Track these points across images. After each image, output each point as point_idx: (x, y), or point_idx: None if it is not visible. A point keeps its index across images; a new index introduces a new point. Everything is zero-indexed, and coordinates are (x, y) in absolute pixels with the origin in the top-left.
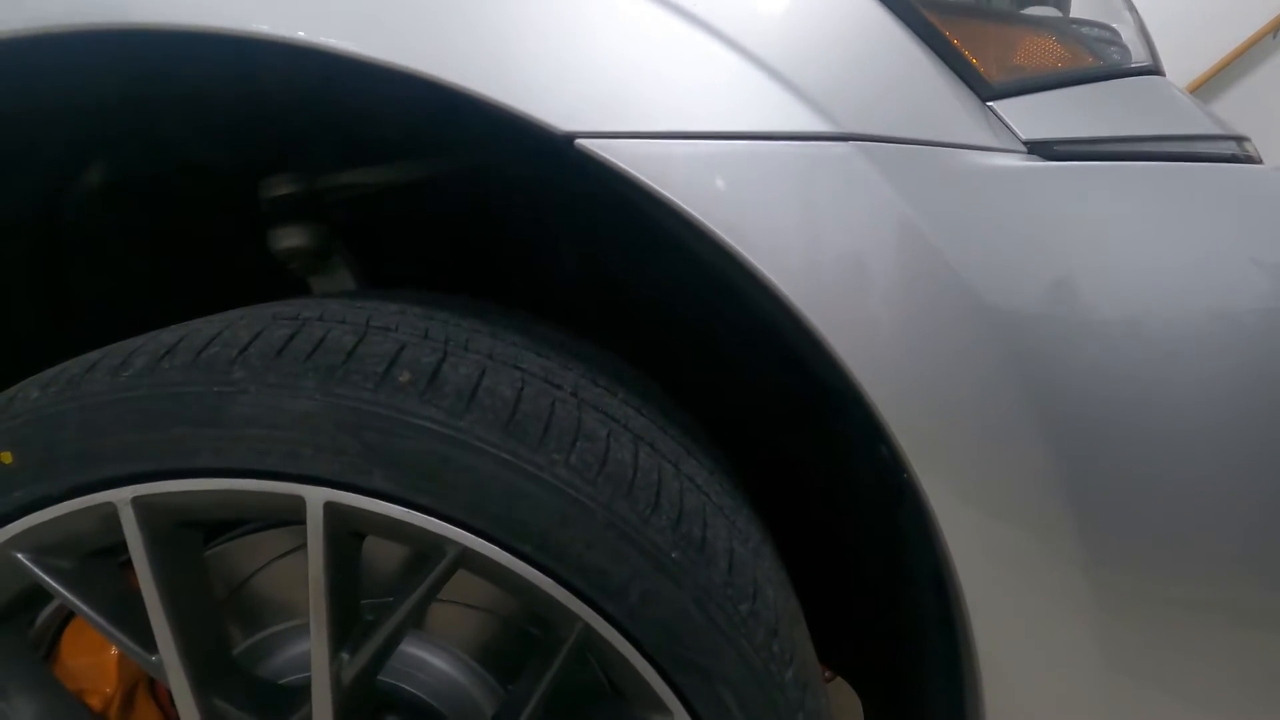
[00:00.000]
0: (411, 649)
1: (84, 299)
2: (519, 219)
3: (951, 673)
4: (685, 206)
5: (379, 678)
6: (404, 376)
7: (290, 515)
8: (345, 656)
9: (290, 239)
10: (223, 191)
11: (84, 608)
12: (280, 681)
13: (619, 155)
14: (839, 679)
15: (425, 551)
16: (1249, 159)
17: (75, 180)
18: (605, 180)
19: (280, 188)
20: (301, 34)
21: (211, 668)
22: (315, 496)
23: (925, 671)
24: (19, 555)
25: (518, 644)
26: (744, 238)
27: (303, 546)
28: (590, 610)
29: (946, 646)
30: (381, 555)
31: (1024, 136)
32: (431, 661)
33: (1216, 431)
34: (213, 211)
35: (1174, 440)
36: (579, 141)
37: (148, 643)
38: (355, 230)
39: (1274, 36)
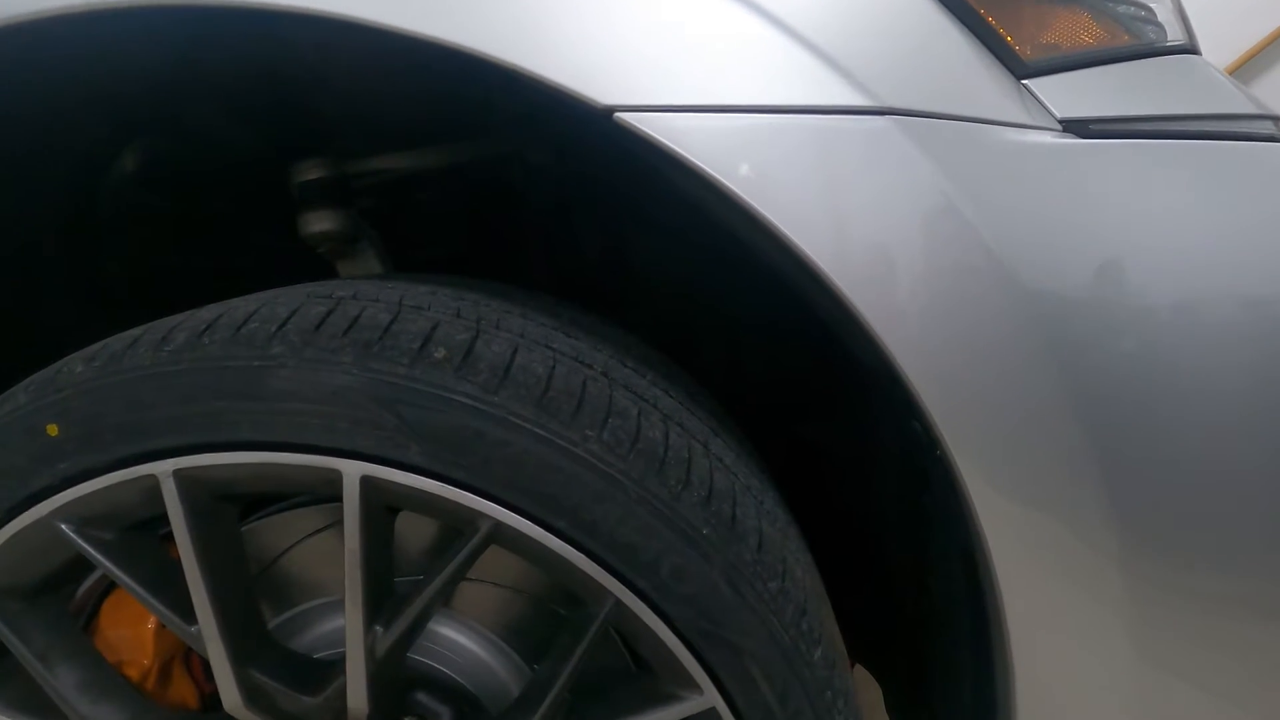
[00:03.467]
0: (439, 628)
1: (118, 290)
2: (542, 206)
3: (981, 660)
4: (722, 179)
5: (409, 655)
6: (439, 353)
7: (327, 490)
8: (379, 630)
9: (320, 223)
10: (254, 179)
11: (125, 578)
12: (314, 656)
13: (657, 128)
14: (858, 668)
15: (459, 527)
16: None
17: (108, 170)
18: (642, 155)
19: (310, 172)
20: (339, 7)
21: (248, 640)
22: (352, 470)
23: (953, 659)
24: (63, 526)
25: (545, 623)
26: (780, 211)
27: (334, 524)
28: (621, 586)
29: (976, 634)
30: (412, 535)
31: (1059, 115)
32: (459, 640)
33: (1253, 421)
34: (244, 199)
35: (1210, 429)
36: (618, 115)
37: (187, 614)
38: (382, 216)
39: None
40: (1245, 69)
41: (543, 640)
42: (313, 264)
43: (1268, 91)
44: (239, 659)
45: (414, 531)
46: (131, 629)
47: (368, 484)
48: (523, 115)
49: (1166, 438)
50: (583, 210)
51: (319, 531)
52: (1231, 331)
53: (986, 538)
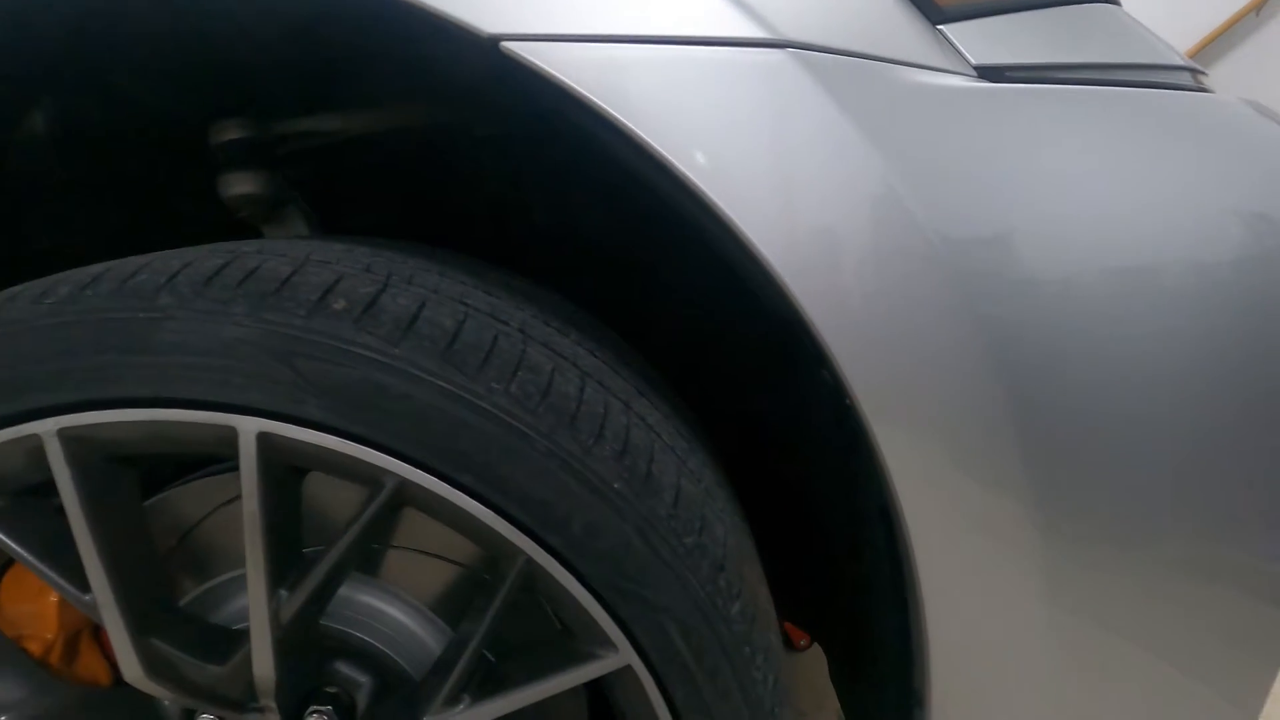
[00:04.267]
0: (364, 597)
1: (40, 251)
2: (490, 179)
3: (901, 620)
4: (614, 113)
5: (328, 624)
6: (339, 304)
7: (225, 450)
8: (284, 594)
9: (241, 185)
10: (179, 140)
11: (14, 546)
12: (223, 625)
13: (545, 59)
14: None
15: (366, 485)
16: (1202, 90)
17: (16, 129)
18: (532, 89)
19: (229, 132)
20: None
21: (149, 608)
22: (248, 427)
23: (879, 620)
24: None
25: (472, 590)
26: (675, 147)
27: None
28: (533, 543)
29: (897, 593)
30: (334, 505)
31: (974, 61)
32: (385, 610)
33: (1164, 375)
34: (169, 161)
35: (1123, 383)
36: (504, 44)
37: (82, 583)
38: (318, 184)
39: (1256, 14)
40: (1205, 52)
41: (469, 607)
42: (243, 231)
43: (1228, 73)
44: (139, 628)
45: (336, 501)
46: (33, 603)
47: (265, 441)
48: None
49: (1081, 391)
50: (531, 182)
51: (235, 500)
52: (1144, 281)
53: (898, 492)
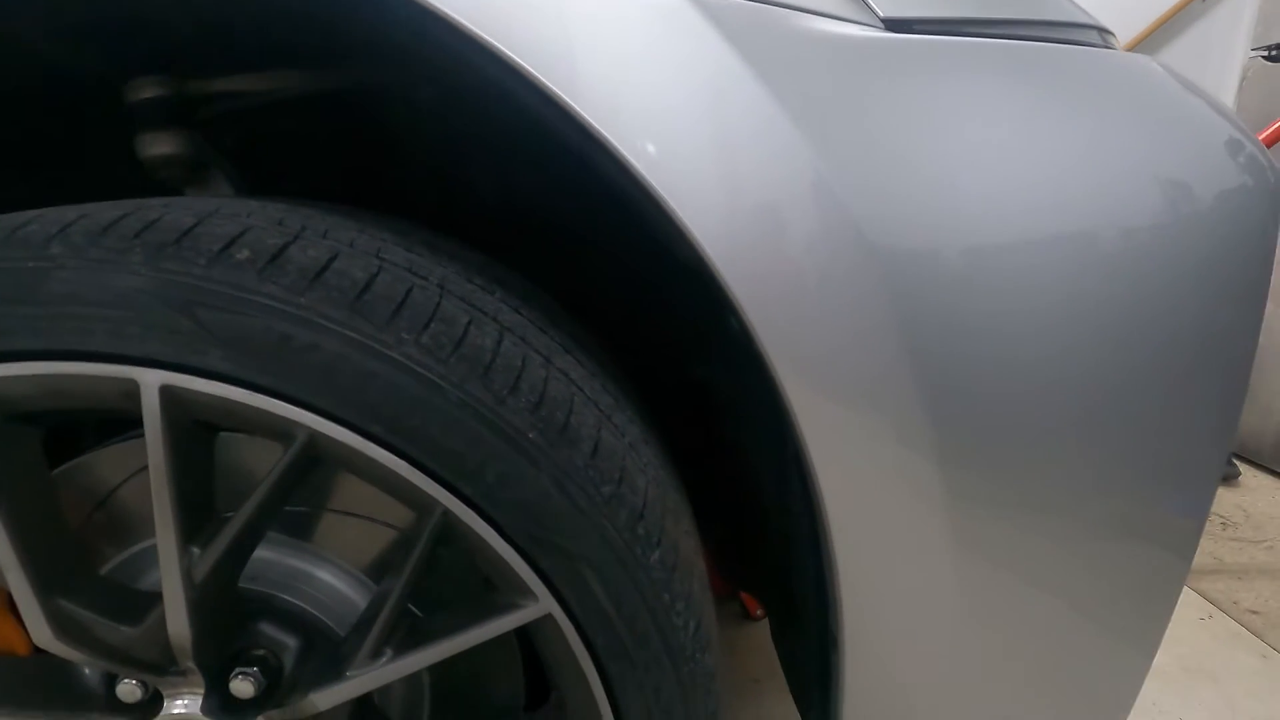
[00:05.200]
0: (290, 560)
1: None
2: (427, 145)
3: (817, 562)
4: (508, 51)
5: (255, 587)
6: (243, 254)
7: (129, 405)
8: (196, 552)
9: (158, 146)
10: (89, 98)
11: None
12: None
13: (448, 5)
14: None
15: (277, 439)
16: (1109, 49)
17: None
18: (422, 27)
19: (146, 90)
20: None
21: (57, 569)
22: (150, 380)
23: (800, 570)
24: None
25: (401, 551)
26: (577, 93)
27: None
28: (448, 494)
29: (812, 538)
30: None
31: (882, 14)
32: (313, 572)
33: (1069, 336)
34: (84, 121)
35: (1026, 342)
36: None
37: None
38: (251, 149)
39: (1203, 0)
40: (1150, 40)
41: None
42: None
43: (1173, 60)
44: (45, 589)
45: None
46: None
47: (168, 394)
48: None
49: (985, 348)
50: (464, 151)
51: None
52: (1047, 243)
53: (805, 439)
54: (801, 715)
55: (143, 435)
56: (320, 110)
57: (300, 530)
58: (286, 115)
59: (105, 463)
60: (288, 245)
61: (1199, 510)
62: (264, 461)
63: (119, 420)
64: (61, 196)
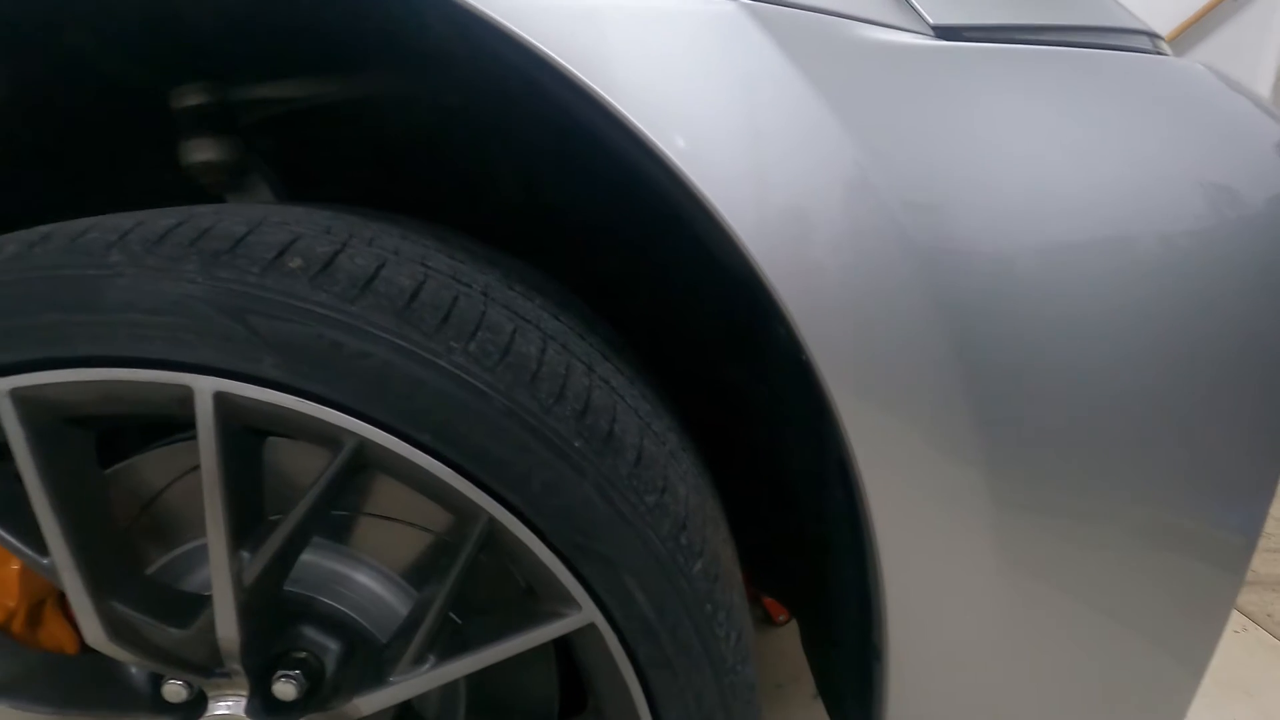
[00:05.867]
0: (331, 564)
1: None
2: (457, 149)
3: (859, 573)
4: (567, 64)
5: (297, 590)
6: (295, 262)
7: (183, 411)
8: (246, 556)
9: (202, 152)
10: (137, 107)
11: None
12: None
13: (495, 8)
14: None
15: (326, 446)
16: (1160, 54)
17: None
18: (479, 37)
19: (190, 98)
20: None
21: (110, 572)
22: (205, 386)
23: (841, 578)
24: None
25: (440, 556)
26: (629, 100)
27: None
28: (493, 501)
29: (856, 549)
30: (302, 475)
31: (932, 20)
32: (353, 576)
33: (1118, 347)
34: (129, 130)
35: (1076, 353)
36: None
37: (40, 546)
38: (287, 154)
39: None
40: (1181, 38)
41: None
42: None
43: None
44: (99, 591)
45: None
46: None
47: (222, 401)
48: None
49: (1034, 359)
50: (497, 155)
51: (197, 468)
52: (1098, 249)
53: (854, 449)
54: None
55: (183, 439)
56: (352, 115)
57: (338, 534)
58: (321, 121)
59: (149, 467)
60: (337, 253)
61: (1252, 526)
62: (300, 465)
63: (157, 423)
64: (101, 204)
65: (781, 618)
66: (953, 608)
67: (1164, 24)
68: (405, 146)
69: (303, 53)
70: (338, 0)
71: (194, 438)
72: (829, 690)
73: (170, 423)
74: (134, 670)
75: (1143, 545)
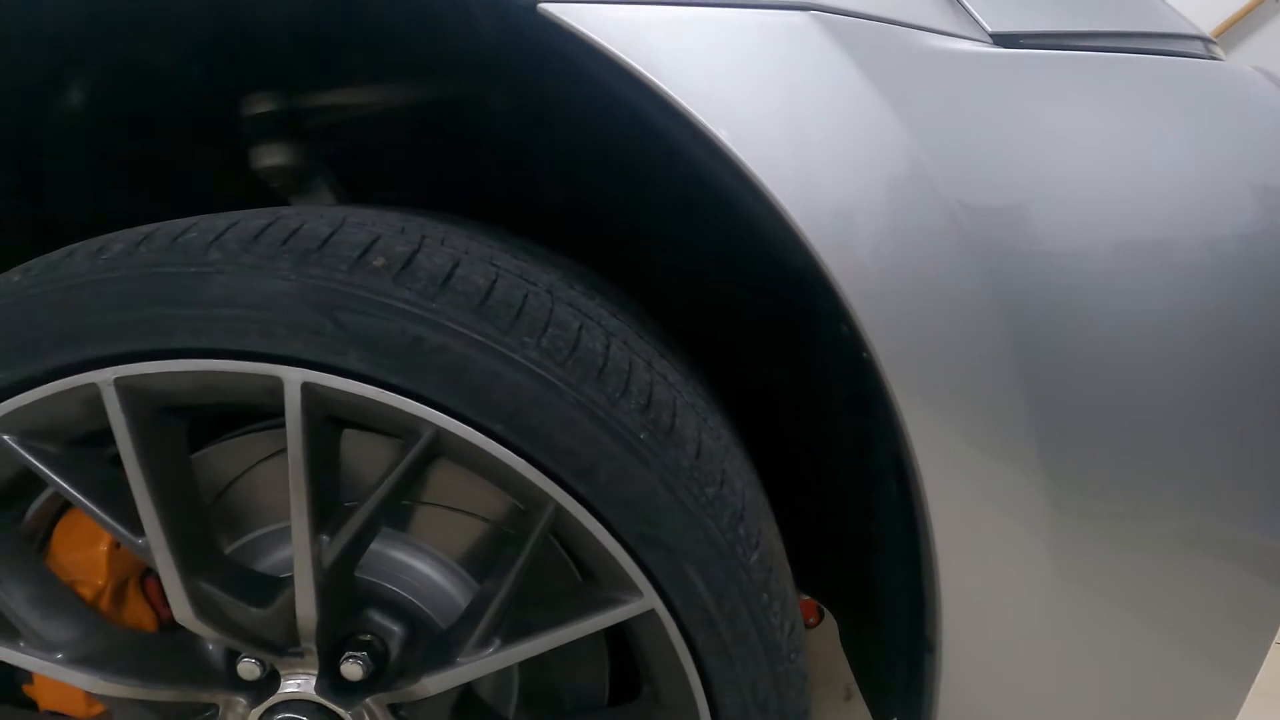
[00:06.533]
0: (393, 552)
1: (63, 224)
2: (503, 151)
3: (913, 575)
4: (646, 72)
5: (361, 575)
6: (378, 261)
7: (270, 400)
8: (325, 539)
9: (272, 157)
10: (202, 116)
11: (71, 490)
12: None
13: (582, 21)
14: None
15: (403, 436)
16: (1214, 59)
17: (53, 107)
18: (568, 52)
19: (262, 105)
20: None
21: (197, 553)
22: (293, 377)
23: (891, 577)
24: (6, 438)
25: (498, 545)
26: (707, 108)
27: (284, 450)
28: (561, 490)
29: (909, 548)
30: (367, 463)
31: (990, 28)
32: (414, 564)
33: (1173, 351)
34: (193, 136)
35: (1132, 356)
36: (542, 6)
37: (135, 527)
38: (340, 158)
39: (1277, 1)
40: (1228, 34)
41: (494, 562)
42: (269, 205)
43: (1247, 59)
44: (188, 570)
45: (367, 459)
46: (84, 550)
47: (309, 391)
48: (467, 43)
49: (1090, 362)
50: (545, 155)
51: (271, 457)
52: (1155, 253)
53: (914, 447)
54: (876, 717)
55: (260, 430)
56: (401, 119)
57: (400, 522)
58: (372, 124)
59: (224, 456)
60: (415, 252)
61: None
62: (365, 455)
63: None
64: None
65: (811, 620)
66: (1005, 603)
67: (1205, 24)
68: (448, 146)
69: (367, 62)
70: (400, 12)
71: (263, 429)
72: (872, 684)
73: (253, 413)
74: (210, 648)
75: (1193, 551)
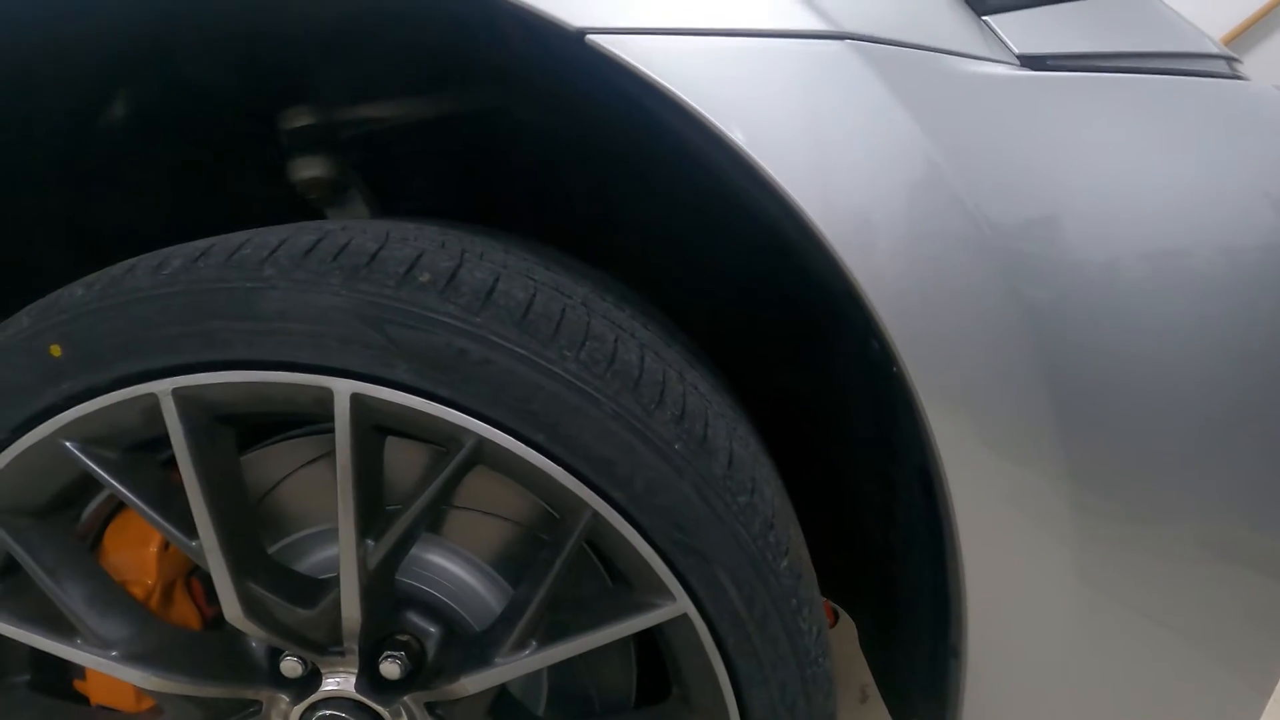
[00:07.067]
0: (431, 555)
1: (105, 232)
2: (529, 163)
3: (937, 575)
4: (691, 102)
5: (399, 578)
6: (424, 277)
7: (319, 410)
8: (370, 543)
9: (310, 169)
10: (240, 127)
11: (129, 495)
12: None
13: (628, 51)
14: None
15: (445, 446)
16: (1238, 78)
17: (98, 118)
18: (613, 80)
19: (300, 119)
20: None
21: (246, 555)
22: (343, 388)
23: (915, 582)
24: (67, 444)
25: (529, 550)
26: (745, 133)
27: (324, 456)
28: (598, 498)
29: (935, 554)
30: (402, 469)
31: (1017, 50)
32: (449, 567)
33: (1198, 360)
34: (231, 148)
35: (1156, 366)
36: (590, 37)
37: (188, 530)
38: (370, 168)
39: None
40: (1238, 40)
41: (526, 565)
42: (301, 215)
43: (1262, 61)
44: (238, 572)
45: (404, 464)
46: (135, 551)
47: (357, 402)
48: (502, 62)
49: (1115, 373)
50: (570, 167)
51: (311, 463)
52: (1180, 267)
53: (941, 458)
54: (896, 719)
55: (300, 436)
56: (437, 133)
57: (434, 526)
58: (408, 138)
59: (266, 462)
60: (458, 268)
61: None
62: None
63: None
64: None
65: (828, 622)
66: (1031, 609)
67: (1219, 28)
68: (475, 158)
69: (401, 77)
70: (463, 36)
71: (304, 435)
72: (893, 686)
73: (296, 420)
74: (254, 646)
75: (1217, 558)
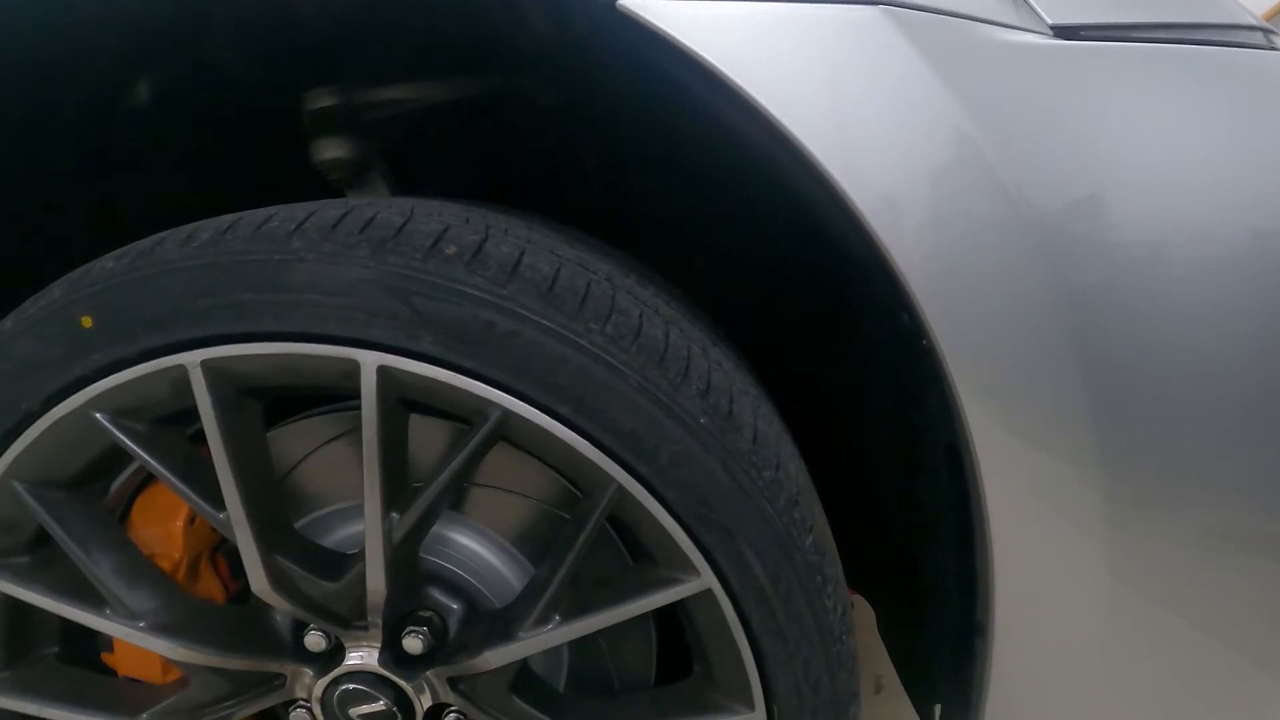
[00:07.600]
0: (452, 532)
1: (128, 215)
2: (549, 145)
3: (965, 565)
4: (722, 68)
5: (422, 555)
6: (451, 249)
7: (345, 383)
8: (395, 516)
9: (332, 150)
10: (261, 112)
11: (157, 466)
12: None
13: (659, 16)
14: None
15: (470, 418)
16: (1275, 49)
17: (120, 101)
18: (640, 51)
19: (323, 100)
20: None
21: (273, 528)
22: (370, 360)
23: (940, 565)
24: (98, 415)
25: (550, 527)
26: (777, 100)
27: (348, 432)
28: (624, 472)
29: (961, 536)
30: (426, 447)
31: (1050, 20)
32: (471, 545)
33: (1237, 347)
34: (251, 132)
35: (1193, 350)
36: (621, 3)
37: (216, 502)
38: (391, 152)
39: None
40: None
41: (547, 543)
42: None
43: None
44: (265, 544)
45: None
46: (162, 525)
47: (384, 374)
48: (525, 42)
49: (1151, 355)
50: (589, 149)
51: (335, 439)
52: (1215, 245)
53: (972, 435)
54: (918, 705)
55: (320, 414)
56: (454, 114)
57: (455, 502)
58: (429, 121)
59: (290, 438)
60: (484, 242)
61: None
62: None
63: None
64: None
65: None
66: (1058, 590)
67: (1261, 4)
68: (497, 142)
69: (424, 60)
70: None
71: (330, 412)
72: (913, 672)
73: (322, 397)
74: (279, 620)
75: (1246, 550)
